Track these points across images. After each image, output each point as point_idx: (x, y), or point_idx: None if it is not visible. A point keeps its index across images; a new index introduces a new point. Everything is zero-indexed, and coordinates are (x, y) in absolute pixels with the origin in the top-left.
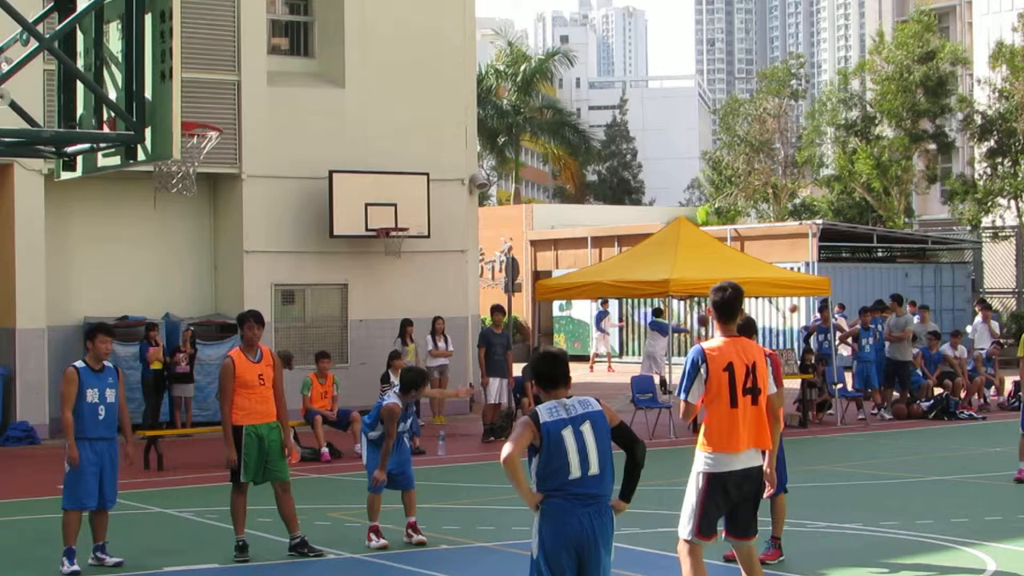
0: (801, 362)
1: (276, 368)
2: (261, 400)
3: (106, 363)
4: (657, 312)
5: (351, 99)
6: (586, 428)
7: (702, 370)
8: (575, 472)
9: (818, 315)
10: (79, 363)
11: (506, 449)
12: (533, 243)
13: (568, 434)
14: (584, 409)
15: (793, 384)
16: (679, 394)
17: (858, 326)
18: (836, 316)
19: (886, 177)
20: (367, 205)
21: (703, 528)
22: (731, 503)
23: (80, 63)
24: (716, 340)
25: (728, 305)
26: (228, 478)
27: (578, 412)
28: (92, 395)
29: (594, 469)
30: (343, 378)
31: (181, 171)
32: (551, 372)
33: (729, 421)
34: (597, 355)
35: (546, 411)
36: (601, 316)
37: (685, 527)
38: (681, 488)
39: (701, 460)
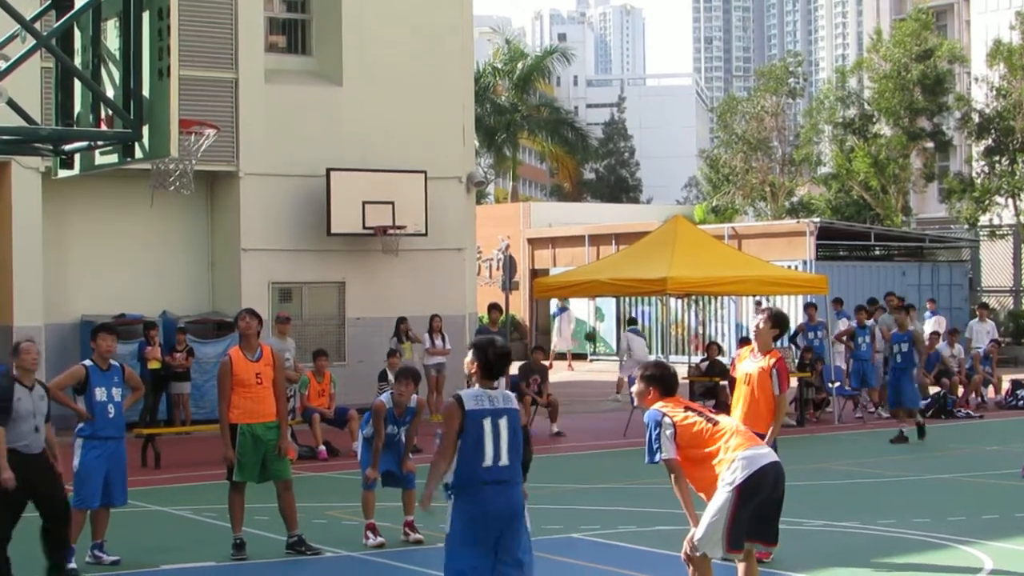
0: (800, 361)
1: (277, 367)
2: (258, 399)
3: (112, 362)
4: (632, 321)
5: (348, 97)
6: (503, 422)
7: (666, 428)
8: (488, 460)
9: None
10: (87, 362)
11: (441, 446)
12: (530, 241)
13: (487, 424)
14: (505, 404)
15: (791, 383)
16: (651, 459)
17: (853, 324)
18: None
19: (884, 175)
20: (364, 203)
21: (734, 540)
22: (760, 504)
23: (78, 61)
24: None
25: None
26: (225, 476)
27: (500, 406)
28: (100, 394)
29: (504, 460)
30: (341, 376)
31: (179, 169)
32: (497, 367)
33: (725, 417)
34: (557, 353)
35: (472, 399)
36: (561, 311)
37: (713, 546)
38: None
39: (727, 477)
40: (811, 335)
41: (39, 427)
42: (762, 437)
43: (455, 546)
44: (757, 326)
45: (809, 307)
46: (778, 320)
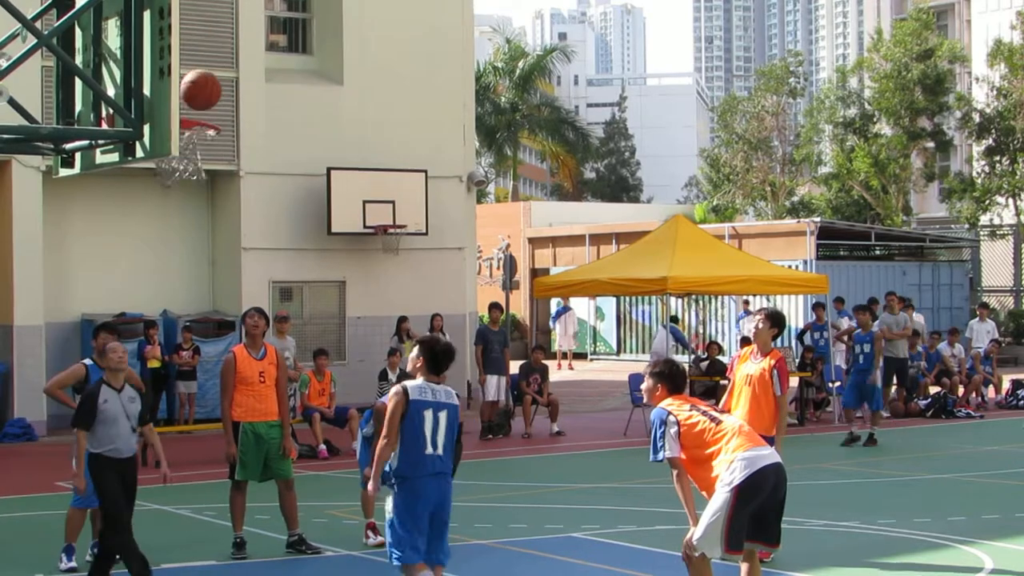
0: (800, 360)
1: (280, 367)
2: (261, 398)
3: None
4: (674, 319)
5: (349, 96)
6: (442, 415)
7: (671, 427)
8: (428, 448)
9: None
10: (88, 361)
11: (386, 432)
12: (531, 240)
13: (428, 414)
14: (447, 399)
15: (791, 382)
16: (655, 456)
17: (854, 324)
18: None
19: (884, 175)
20: (365, 202)
21: (732, 541)
22: (761, 505)
23: (79, 60)
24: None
25: (679, 376)
26: (227, 475)
27: (441, 400)
28: None
29: (440, 450)
30: (341, 375)
31: (183, 168)
32: (442, 363)
33: (729, 417)
34: (563, 353)
35: (416, 390)
36: (564, 311)
37: (711, 546)
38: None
39: (725, 478)
40: (817, 335)
41: (134, 428)
42: (768, 440)
43: (400, 537)
44: (756, 327)
45: (817, 307)
46: (776, 320)
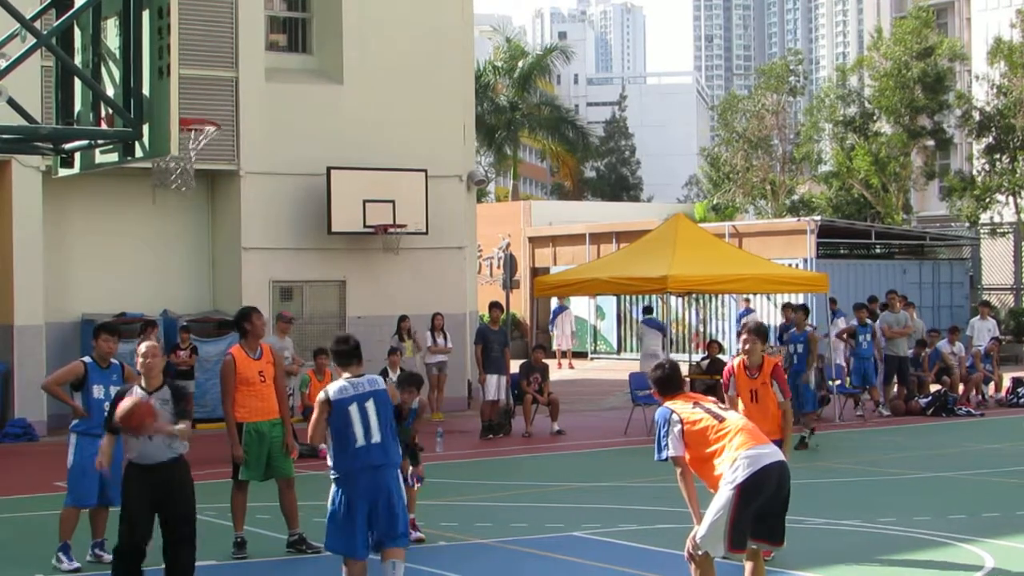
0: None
1: (277, 365)
2: (262, 397)
3: (112, 360)
4: (647, 310)
5: (349, 96)
6: (369, 404)
7: (674, 426)
8: (360, 441)
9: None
10: (87, 359)
11: (312, 435)
12: (531, 240)
13: (354, 409)
14: (371, 387)
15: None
16: (659, 456)
17: (854, 323)
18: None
19: (884, 173)
20: (365, 202)
21: (735, 540)
22: (764, 504)
23: (78, 60)
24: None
25: (668, 380)
26: (227, 475)
27: (365, 390)
28: (98, 391)
29: (376, 438)
30: None
31: (179, 168)
32: (347, 352)
33: (732, 414)
34: (562, 352)
35: (336, 390)
36: (561, 310)
37: (715, 545)
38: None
39: (728, 476)
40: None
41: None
42: (778, 444)
43: (334, 525)
44: (746, 348)
45: (786, 308)
46: (763, 333)
